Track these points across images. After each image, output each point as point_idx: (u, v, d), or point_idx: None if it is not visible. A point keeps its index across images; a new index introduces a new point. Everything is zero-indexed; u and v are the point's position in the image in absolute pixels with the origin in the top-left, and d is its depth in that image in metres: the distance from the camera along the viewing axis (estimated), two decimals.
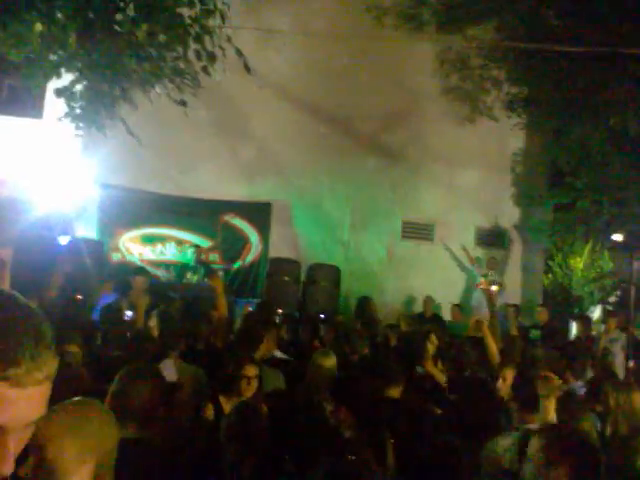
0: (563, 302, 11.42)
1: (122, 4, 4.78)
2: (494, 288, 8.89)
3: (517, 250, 11.70)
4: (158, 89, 6.38)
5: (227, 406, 3.64)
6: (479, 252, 11.41)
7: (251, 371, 3.81)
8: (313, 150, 10.70)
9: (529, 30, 10.23)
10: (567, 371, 5.18)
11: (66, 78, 6.23)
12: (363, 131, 11.13)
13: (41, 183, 9.25)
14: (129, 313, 5.23)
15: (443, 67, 11.16)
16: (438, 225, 11.51)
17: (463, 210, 11.41)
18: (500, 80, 11.34)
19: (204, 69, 5.66)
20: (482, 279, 10.26)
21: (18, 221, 7.89)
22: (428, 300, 9.81)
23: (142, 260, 9.71)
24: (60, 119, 6.69)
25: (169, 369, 4.00)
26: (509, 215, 11.68)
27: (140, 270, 7.79)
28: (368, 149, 11.14)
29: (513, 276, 11.44)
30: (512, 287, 11.08)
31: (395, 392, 3.93)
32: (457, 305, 10.07)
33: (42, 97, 9.48)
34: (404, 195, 11.28)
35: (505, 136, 11.34)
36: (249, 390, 3.76)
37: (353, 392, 3.82)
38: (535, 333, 8.24)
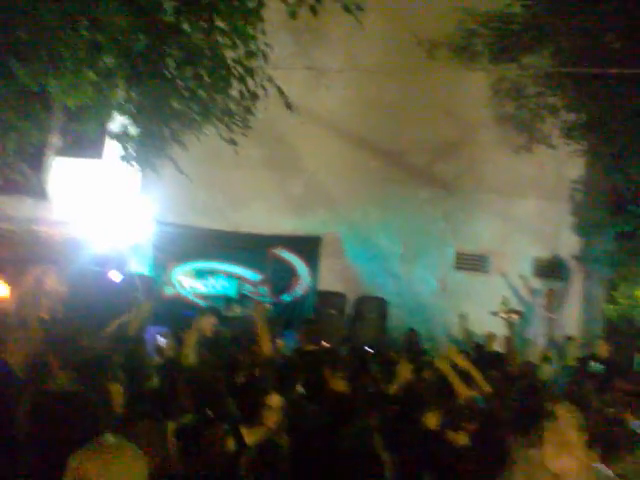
0: (627, 334, 10.85)
1: (167, 49, 4.95)
2: (513, 316, 8.72)
3: (577, 281, 11.23)
4: (207, 130, 6.54)
5: (249, 437, 3.59)
6: (537, 283, 11.03)
7: (275, 401, 3.76)
8: (363, 183, 10.72)
9: (586, 55, 9.97)
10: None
11: (121, 121, 6.50)
12: (415, 163, 11.06)
13: (100, 221, 9.62)
14: (162, 340, 5.28)
15: (497, 96, 11.00)
16: (494, 256, 11.22)
17: (520, 240, 11.09)
18: (557, 107, 11.07)
19: (247, 109, 5.78)
20: (501, 307, 9.95)
21: (76, 260, 8.20)
22: (491, 336, 9.37)
23: (194, 294, 9.90)
24: (115, 160, 6.95)
25: None
26: (568, 245, 11.24)
27: (211, 309, 7.95)
28: (420, 180, 11.05)
29: (573, 308, 10.97)
30: (572, 319, 10.63)
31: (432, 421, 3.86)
32: (510, 338, 9.68)
33: (102, 139, 9.92)
34: (457, 225, 11.09)
35: (563, 164, 11.01)
36: (271, 420, 3.70)
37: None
38: (595, 366, 7.85)
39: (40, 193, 9.67)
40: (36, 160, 9.34)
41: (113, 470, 1.80)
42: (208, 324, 6.43)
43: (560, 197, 11.17)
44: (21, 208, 9.19)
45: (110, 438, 1.95)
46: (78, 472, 1.77)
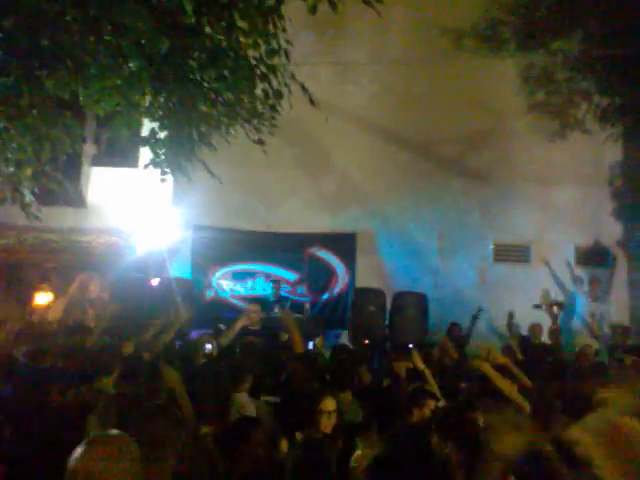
0: None
1: (190, 51, 5.02)
2: (555, 309, 8.52)
3: (621, 267, 10.91)
4: (234, 131, 6.59)
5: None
6: (580, 272, 10.76)
7: (330, 405, 3.73)
8: (396, 177, 10.66)
9: (617, 36, 9.71)
10: None
11: (151, 126, 6.62)
12: (447, 154, 10.95)
13: (139, 228, 9.83)
14: (208, 346, 5.36)
15: (528, 84, 10.82)
16: (534, 246, 11.00)
17: (560, 229, 10.84)
18: (590, 92, 10.81)
19: (272, 107, 5.81)
20: (543, 299, 9.72)
21: (117, 267, 8.39)
22: (536, 328, 9.12)
23: (233, 296, 10.01)
24: (146, 166, 7.06)
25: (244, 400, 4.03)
26: (611, 231, 10.94)
27: (255, 299, 8.16)
28: (453, 172, 10.92)
29: (619, 295, 10.66)
30: (619, 307, 10.33)
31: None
32: (554, 329, 9.48)
33: (137, 147, 10.12)
34: (494, 217, 10.92)
35: (599, 148, 10.74)
36: (328, 425, 3.68)
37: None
38: None
39: (79, 203, 9.93)
40: (73, 170, 9.61)
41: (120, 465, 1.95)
42: (253, 312, 6.52)
43: (599, 182, 10.89)
44: (62, 218, 9.46)
45: (112, 432, 2.07)
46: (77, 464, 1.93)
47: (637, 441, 2.25)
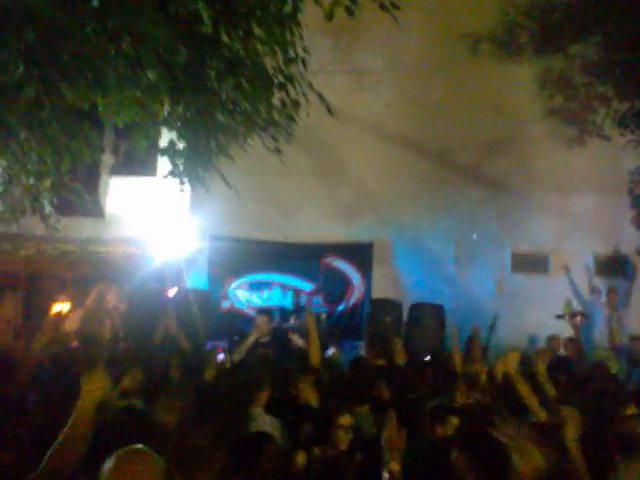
0: None
1: (208, 61, 5.03)
2: (578, 319, 8.39)
3: None
4: (251, 141, 6.60)
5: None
6: (599, 281, 10.61)
7: (347, 420, 3.69)
8: (412, 186, 10.61)
9: (635, 40, 9.62)
10: None
11: (169, 136, 6.64)
12: (463, 162, 10.88)
13: (156, 238, 9.86)
14: (221, 356, 5.34)
15: (545, 89, 10.74)
16: (552, 255, 10.89)
17: (579, 238, 10.72)
18: (608, 97, 10.70)
19: (289, 117, 5.80)
20: (565, 309, 9.57)
21: (134, 277, 8.42)
22: (555, 339, 8.98)
23: (249, 307, 10.00)
24: (165, 177, 7.09)
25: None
26: (631, 240, 10.78)
27: (262, 310, 8.15)
28: (470, 180, 10.85)
29: (638, 305, 10.49)
30: (638, 318, 10.16)
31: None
32: (572, 340, 9.33)
33: (155, 156, 10.17)
34: (512, 225, 10.82)
35: (619, 155, 10.60)
36: (345, 440, 3.65)
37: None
38: None
39: (97, 213, 9.99)
40: (91, 180, 9.67)
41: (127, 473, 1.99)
42: (263, 322, 6.49)
43: (618, 190, 10.73)
44: (80, 229, 9.51)
45: (137, 446, 2.08)
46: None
47: None
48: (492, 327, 8.97)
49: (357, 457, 3.65)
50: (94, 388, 2.61)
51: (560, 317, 9.61)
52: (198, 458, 2.47)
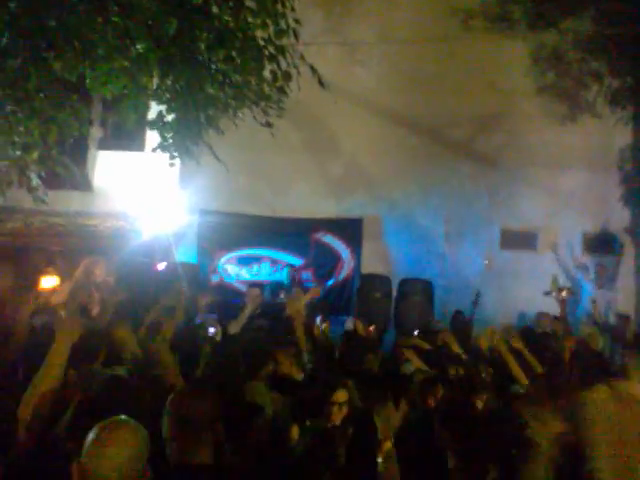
0: None
1: (198, 32, 4.95)
2: (564, 294, 8.50)
3: (630, 254, 10.83)
4: (241, 114, 6.53)
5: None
6: (587, 259, 10.69)
7: (342, 396, 3.71)
8: (403, 162, 10.57)
9: (629, 16, 9.54)
10: None
11: (157, 109, 6.55)
12: (454, 138, 10.84)
13: (145, 212, 9.79)
14: (212, 330, 5.34)
15: (538, 65, 10.67)
16: (541, 232, 10.94)
17: (568, 215, 10.76)
18: (601, 73, 10.66)
19: (280, 89, 5.74)
20: (552, 285, 9.69)
21: (123, 251, 8.37)
22: (542, 316, 9.07)
23: (238, 281, 10.00)
24: (154, 150, 7.00)
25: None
26: (619, 218, 10.84)
27: (253, 284, 8.15)
28: (461, 156, 10.83)
29: (626, 283, 10.60)
30: (626, 295, 10.28)
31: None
32: (557, 317, 9.42)
33: (143, 130, 10.04)
34: (502, 202, 10.84)
35: (610, 132, 10.61)
36: (339, 416, 3.67)
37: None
38: None
39: (85, 186, 9.90)
40: (79, 153, 9.56)
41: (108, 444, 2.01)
42: (256, 296, 6.49)
43: (608, 167, 10.77)
44: (68, 202, 9.42)
45: (119, 418, 2.11)
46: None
47: None
48: (475, 303, 9.05)
49: (349, 431, 3.68)
50: (68, 332, 2.74)
51: (547, 294, 9.69)
52: (196, 429, 2.49)
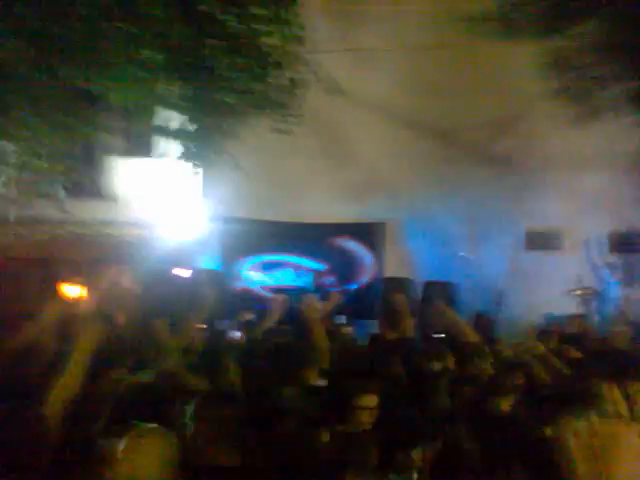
0: None
1: (205, 39, 4.99)
2: (588, 294, 8.44)
3: None
4: (260, 123, 6.59)
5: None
6: (613, 258, 10.56)
7: (372, 401, 3.66)
8: (422, 165, 10.55)
9: None
10: None
11: (176, 118, 6.62)
12: (473, 141, 10.81)
13: (168, 220, 9.90)
14: (237, 334, 5.37)
15: (554, 67, 10.58)
16: (565, 233, 10.86)
17: (592, 215, 10.62)
18: (619, 75, 10.54)
19: (295, 97, 5.77)
20: (575, 286, 9.61)
21: (147, 259, 8.46)
22: (573, 319, 8.95)
23: (262, 287, 10.04)
24: (178, 159, 7.06)
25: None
26: None
27: (279, 290, 8.21)
28: (481, 158, 10.78)
29: None
30: None
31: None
32: (581, 316, 9.27)
33: (164, 138, 10.14)
34: (525, 204, 10.75)
35: (630, 132, 10.46)
36: (369, 420, 3.63)
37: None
38: None
39: (109, 195, 10.02)
40: (102, 163, 9.68)
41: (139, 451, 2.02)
42: (282, 302, 6.48)
43: (628, 167, 10.63)
44: (91, 211, 9.55)
45: (149, 426, 2.13)
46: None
47: None
48: (499, 303, 9.01)
49: (380, 436, 3.64)
50: (89, 337, 2.77)
51: (569, 293, 9.62)
52: (224, 432, 2.52)
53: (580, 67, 10.49)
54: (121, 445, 2.04)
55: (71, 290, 7.87)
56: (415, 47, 9.99)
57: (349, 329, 7.19)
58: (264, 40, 5.32)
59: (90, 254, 9.04)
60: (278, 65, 5.45)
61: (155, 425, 2.21)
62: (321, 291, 9.28)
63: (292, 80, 5.55)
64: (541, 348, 4.66)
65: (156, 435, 2.12)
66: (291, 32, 5.20)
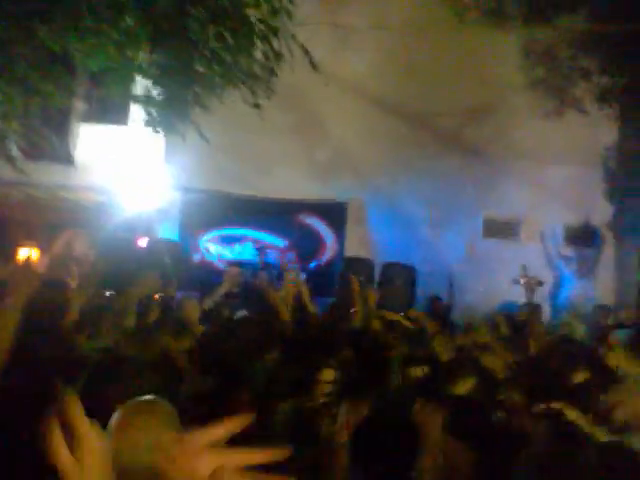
0: None
1: (190, 9, 4.85)
2: (534, 284, 8.69)
3: (609, 248, 10.97)
4: (229, 95, 6.44)
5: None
6: (568, 250, 10.81)
7: (330, 375, 3.67)
8: (390, 148, 10.55)
9: (622, 15, 9.55)
10: None
11: (144, 85, 6.43)
12: (443, 127, 10.84)
13: (127, 188, 9.66)
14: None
15: (529, 59, 10.68)
16: (524, 223, 11.04)
17: (551, 207, 10.85)
18: (590, 70, 10.69)
19: (270, 70, 5.66)
20: (520, 274, 9.87)
21: (104, 226, 8.26)
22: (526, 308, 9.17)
23: (220, 260, 9.95)
24: (141, 126, 6.89)
25: None
26: (601, 212, 10.97)
27: (233, 263, 8.11)
28: (449, 146, 10.83)
29: (605, 276, 10.74)
30: (604, 287, 10.41)
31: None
32: (531, 305, 9.51)
33: (128, 104, 9.86)
34: (487, 192, 10.88)
35: (596, 129, 10.66)
36: (323, 395, 3.64)
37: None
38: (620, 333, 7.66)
39: (67, 159, 9.73)
40: (62, 126, 9.37)
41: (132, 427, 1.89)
42: (234, 275, 6.44)
43: (593, 163, 10.86)
44: (49, 174, 9.25)
45: (145, 398, 2.03)
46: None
47: None
48: (451, 287, 9.16)
49: (334, 411, 3.65)
50: (24, 284, 2.65)
51: (516, 282, 9.84)
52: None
53: (555, 59, 10.60)
54: (113, 421, 1.93)
55: (24, 253, 7.66)
56: (395, 29, 9.90)
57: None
58: (252, 12, 5.18)
59: (45, 218, 8.79)
60: (265, 38, 5.31)
61: (151, 397, 2.10)
62: (272, 267, 9.25)
63: (278, 54, 5.42)
64: (487, 337, 4.73)
65: (150, 408, 2.01)
66: (281, 5, 5.06)
